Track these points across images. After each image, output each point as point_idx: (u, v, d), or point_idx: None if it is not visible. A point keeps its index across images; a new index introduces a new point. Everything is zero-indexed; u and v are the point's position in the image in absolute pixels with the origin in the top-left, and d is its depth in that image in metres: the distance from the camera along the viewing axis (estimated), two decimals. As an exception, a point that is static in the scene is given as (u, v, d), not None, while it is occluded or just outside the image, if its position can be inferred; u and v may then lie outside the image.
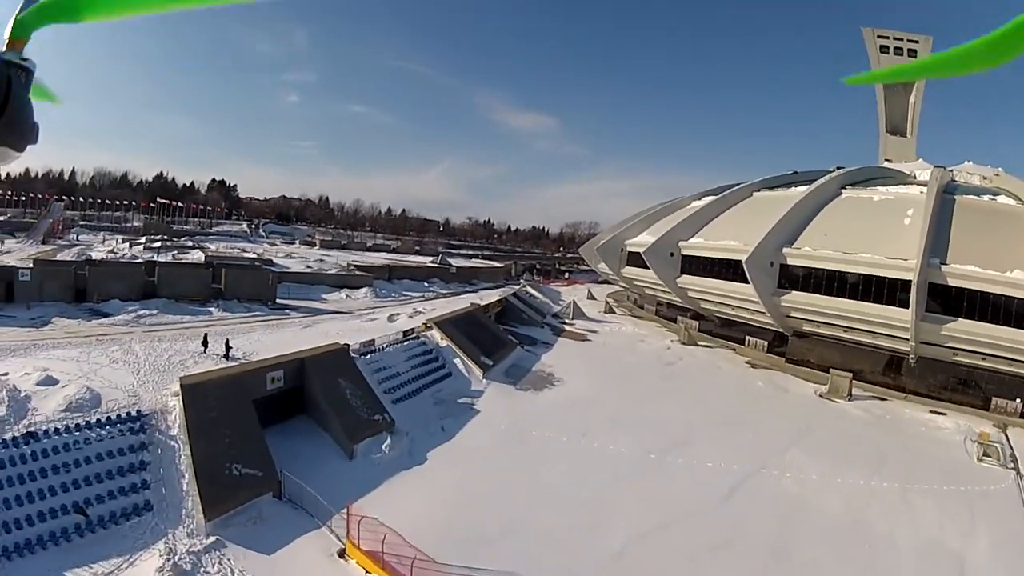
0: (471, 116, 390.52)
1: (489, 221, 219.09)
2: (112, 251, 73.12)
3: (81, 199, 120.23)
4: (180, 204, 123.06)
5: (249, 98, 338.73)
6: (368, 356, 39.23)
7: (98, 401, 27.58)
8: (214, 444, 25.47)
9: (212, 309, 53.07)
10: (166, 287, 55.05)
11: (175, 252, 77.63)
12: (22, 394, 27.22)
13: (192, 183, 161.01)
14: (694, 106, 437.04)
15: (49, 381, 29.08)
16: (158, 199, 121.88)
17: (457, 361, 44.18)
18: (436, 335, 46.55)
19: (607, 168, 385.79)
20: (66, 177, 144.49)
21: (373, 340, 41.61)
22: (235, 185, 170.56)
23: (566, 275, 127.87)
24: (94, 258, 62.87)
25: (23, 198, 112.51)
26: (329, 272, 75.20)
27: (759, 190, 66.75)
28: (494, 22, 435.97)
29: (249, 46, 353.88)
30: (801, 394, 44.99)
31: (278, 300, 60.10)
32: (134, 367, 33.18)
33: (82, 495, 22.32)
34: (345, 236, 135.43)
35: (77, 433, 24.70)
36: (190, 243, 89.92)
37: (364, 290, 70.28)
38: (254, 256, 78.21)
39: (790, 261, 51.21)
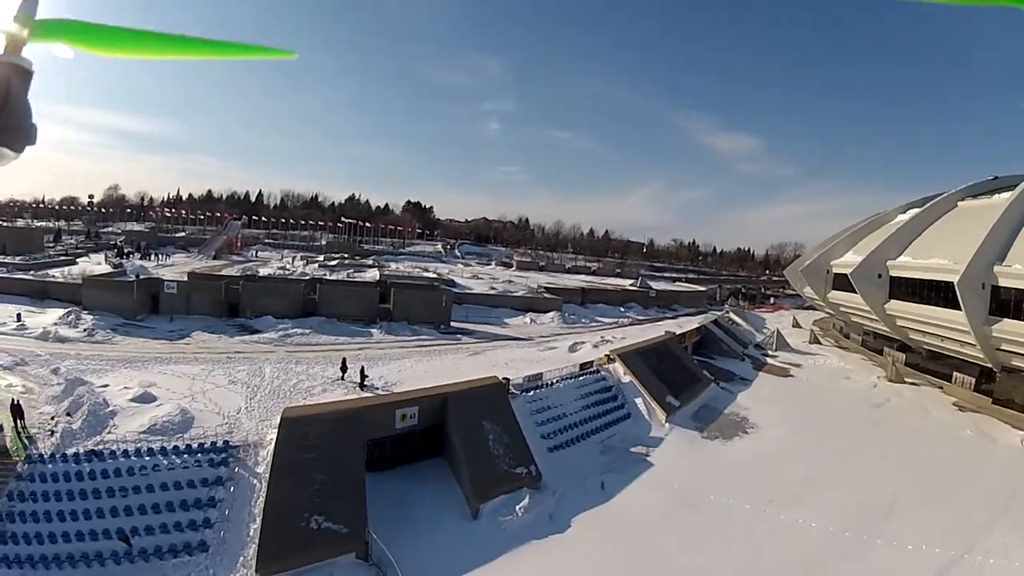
0: (675, 139, 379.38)
1: (694, 243, 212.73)
2: (283, 268, 77.04)
3: (266, 219, 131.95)
4: (368, 224, 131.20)
5: (448, 127, 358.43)
6: (531, 393, 35.02)
7: (188, 425, 26.21)
8: (300, 489, 22.42)
9: (374, 330, 52.14)
10: (327, 306, 55.38)
11: (352, 271, 79.92)
12: (108, 409, 26.86)
13: (386, 205, 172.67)
14: (899, 115, 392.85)
15: (146, 398, 28.54)
16: (342, 219, 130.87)
17: (639, 401, 38.92)
18: (619, 369, 41.79)
19: (814, 188, 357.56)
20: (252, 198, 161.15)
21: (541, 374, 37.59)
22: (431, 207, 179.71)
23: (771, 300, 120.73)
24: (260, 274, 66.23)
25: (202, 216, 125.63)
26: (514, 294, 72.78)
27: (963, 199, 61.14)
28: (694, 45, 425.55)
29: (443, 77, 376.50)
30: (1010, 445, 38.82)
31: (452, 323, 58.18)
32: (251, 390, 31.96)
33: (132, 523, 21.29)
34: (544, 258, 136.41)
35: (147, 458, 23.51)
36: (369, 262, 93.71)
37: (551, 315, 67.16)
38: (433, 276, 78.33)
39: (1002, 282, 45.42)
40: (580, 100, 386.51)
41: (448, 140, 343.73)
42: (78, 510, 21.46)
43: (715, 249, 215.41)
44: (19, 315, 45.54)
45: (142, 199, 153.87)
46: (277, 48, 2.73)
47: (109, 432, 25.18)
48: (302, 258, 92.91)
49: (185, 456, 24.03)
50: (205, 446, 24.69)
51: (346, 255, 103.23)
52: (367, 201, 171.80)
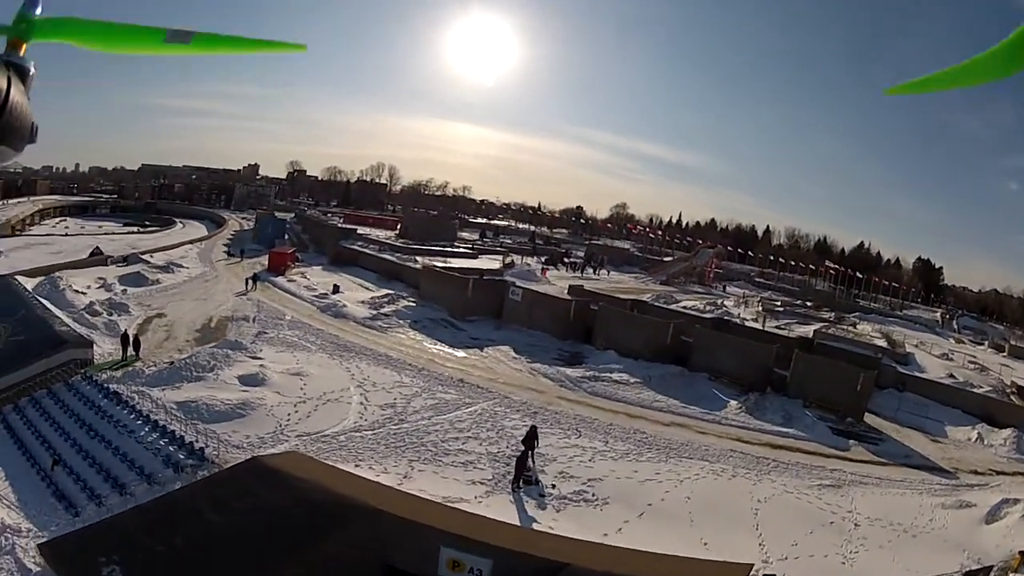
0: None
1: None
2: (712, 306, 67.08)
3: (759, 255, 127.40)
4: (859, 275, 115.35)
5: (966, 182, 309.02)
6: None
7: (226, 417, 24.45)
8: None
9: (733, 403, 36.26)
10: (703, 356, 42.54)
11: (795, 321, 66.64)
12: (199, 374, 28.09)
13: (896, 259, 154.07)
14: None
15: (253, 381, 27.68)
16: (826, 264, 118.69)
17: None
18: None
19: None
20: (758, 233, 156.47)
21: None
22: (940, 267, 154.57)
23: None
24: (674, 307, 58.35)
25: (686, 242, 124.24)
26: (974, 390, 46.79)
27: None
28: None
29: (967, 129, 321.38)
30: None
31: (868, 415, 38.51)
32: (389, 419, 25.65)
33: (74, 458, 23.47)
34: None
35: (138, 423, 24.24)
36: (826, 315, 77.20)
37: (1007, 433, 39.44)
38: (881, 346, 59.70)
39: None
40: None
41: (967, 195, 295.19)
42: (62, 424, 25.53)
43: None
44: (336, 286, 48.13)
45: (651, 220, 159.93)
46: (288, 42, 2.48)
47: (163, 391, 26.26)
48: (758, 301, 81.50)
49: (161, 441, 23.32)
50: (185, 441, 22.95)
51: (809, 302, 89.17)
52: (878, 252, 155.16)
